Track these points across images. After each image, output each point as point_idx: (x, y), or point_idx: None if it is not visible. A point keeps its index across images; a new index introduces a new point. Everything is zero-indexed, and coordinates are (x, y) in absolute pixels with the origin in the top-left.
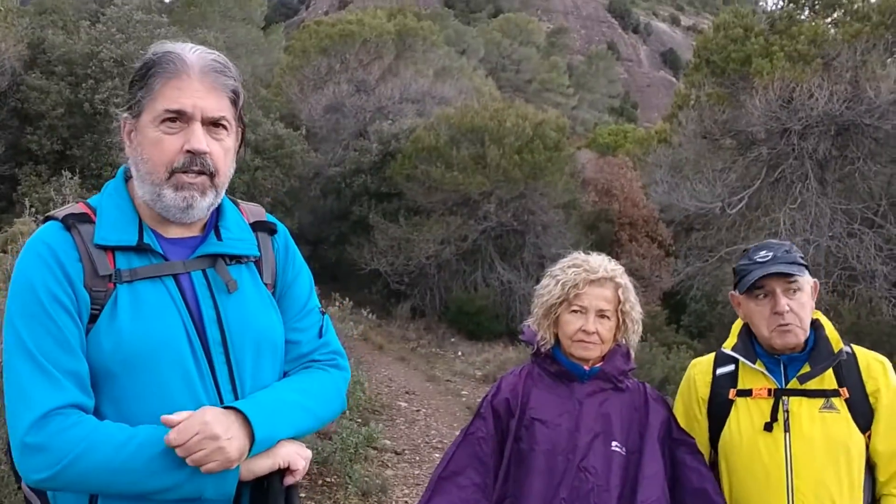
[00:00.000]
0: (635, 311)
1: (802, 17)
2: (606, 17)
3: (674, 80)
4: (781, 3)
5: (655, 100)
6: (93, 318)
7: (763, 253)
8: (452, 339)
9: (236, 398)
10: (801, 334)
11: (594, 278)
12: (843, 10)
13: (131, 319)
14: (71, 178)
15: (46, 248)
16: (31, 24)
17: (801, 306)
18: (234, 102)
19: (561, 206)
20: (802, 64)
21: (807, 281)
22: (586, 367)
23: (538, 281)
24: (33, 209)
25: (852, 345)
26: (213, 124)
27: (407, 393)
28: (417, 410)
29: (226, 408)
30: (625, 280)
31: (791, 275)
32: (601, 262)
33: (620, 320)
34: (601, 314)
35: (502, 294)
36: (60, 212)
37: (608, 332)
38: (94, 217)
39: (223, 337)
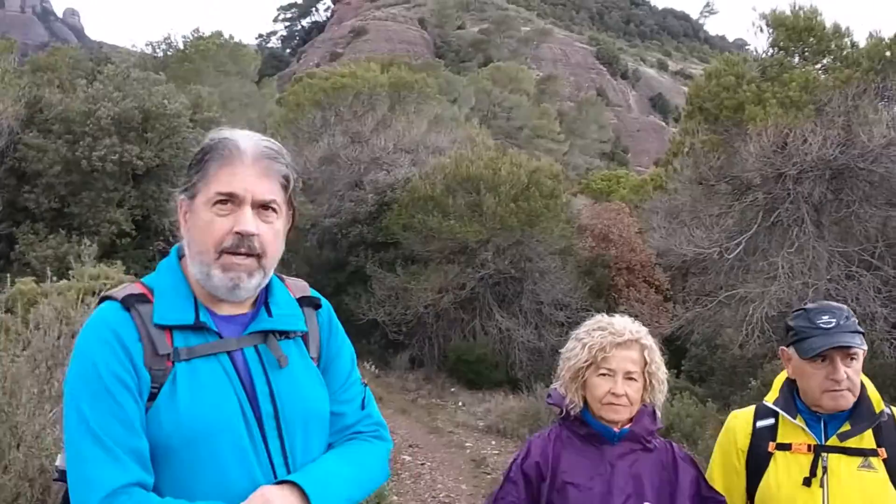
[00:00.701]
0: (661, 371)
1: (793, 63)
2: (595, 63)
3: (663, 124)
4: (772, 50)
5: (646, 144)
6: (152, 396)
7: (826, 318)
8: (452, 389)
9: (288, 471)
10: (852, 399)
11: (620, 341)
12: (832, 57)
13: (190, 397)
14: (90, 245)
15: (108, 329)
16: (29, 83)
17: (855, 373)
18: (285, 187)
19: (557, 253)
20: (795, 110)
21: (863, 349)
22: (616, 429)
23: (537, 328)
24: (27, 267)
25: (892, 406)
26: (263, 207)
27: (410, 446)
28: (422, 464)
29: (282, 482)
30: (650, 341)
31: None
32: (626, 325)
33: (647, 381)
34: (628, 376)
35: (501, 342)
36: (119, 292)
37: (636, 394)
38: (150, 297)
39: (275, 411)
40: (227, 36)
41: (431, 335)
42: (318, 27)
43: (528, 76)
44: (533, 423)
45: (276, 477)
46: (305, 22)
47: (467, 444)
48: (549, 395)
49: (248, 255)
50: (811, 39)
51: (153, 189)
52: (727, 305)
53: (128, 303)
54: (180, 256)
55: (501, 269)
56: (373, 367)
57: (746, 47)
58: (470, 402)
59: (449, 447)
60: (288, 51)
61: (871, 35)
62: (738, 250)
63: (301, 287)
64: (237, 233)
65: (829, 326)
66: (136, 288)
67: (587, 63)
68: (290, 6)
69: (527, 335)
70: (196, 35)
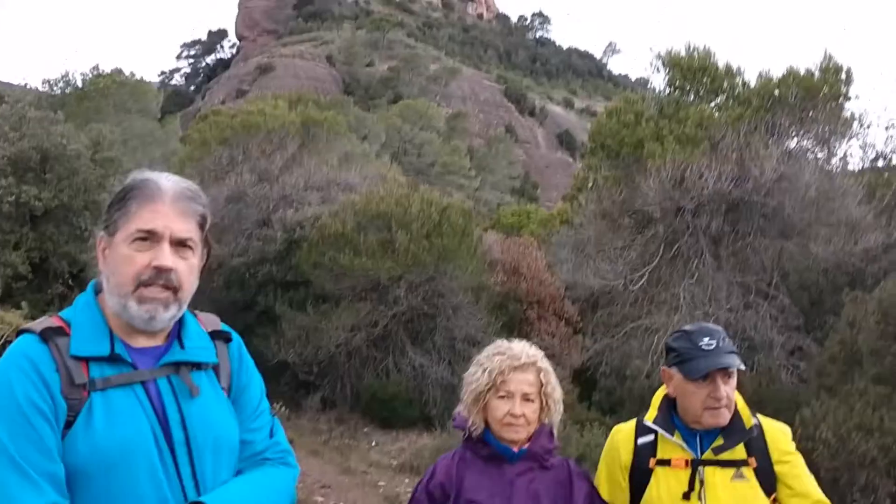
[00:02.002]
0: (556, 392)
1: (689, 101)
2: (503, 101)
3: (570, 160)
4: (668, 89)
5: (554, 179)
6: (69, 424)
7: (707, 340)
8: (366, 429)
9: (198, 494)
10: (728, 416)
11: (517, 364)
12: (725, 95)
13: (105, 425)
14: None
15: (26, 360)
16: None
17: (732, 390)
18: (202, 226)
19: (470, 288)
20: (691, 146)
21: (741, 368)
22: (515, 449)
23: (450, 364)
24: None
25: (759, 414)
26: (180, 244)
27: (323, 487)
28: None
29: (191, 503)
30: (545, 364)
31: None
32: (523, 349)
33: (543, 402)
34: (526, 398)
35: (415, 379)
36: (37, 325)
37: (533, 414)
38: (68, 330)
39: (187, 438)
40: (127, 73)
41: (343, 375)
42: (223, 64)
43: (437, 113)
44: None
45: (186, 500)
46: (210, 59)
47: (381, 483)
48: (453, 419)
49: (164, 287)
50: (705, 79)
51: (52, 231)
52: (634, 336)
53: (45, 335)
54: (97, 291)
55: (414, 306)
56: (283, 409)
57: (649, 85)
58: (383, 442)
59: (362, 487)
60: (192, 88)
61: (760, 75)
62: (641, 282)
63: (212, 321)
64: (155, 267)
65: (710, 348)
66: (53, 321)
67: (496, 100)
68: (194, 43)
69: (440, 372)
70: (95, 73)
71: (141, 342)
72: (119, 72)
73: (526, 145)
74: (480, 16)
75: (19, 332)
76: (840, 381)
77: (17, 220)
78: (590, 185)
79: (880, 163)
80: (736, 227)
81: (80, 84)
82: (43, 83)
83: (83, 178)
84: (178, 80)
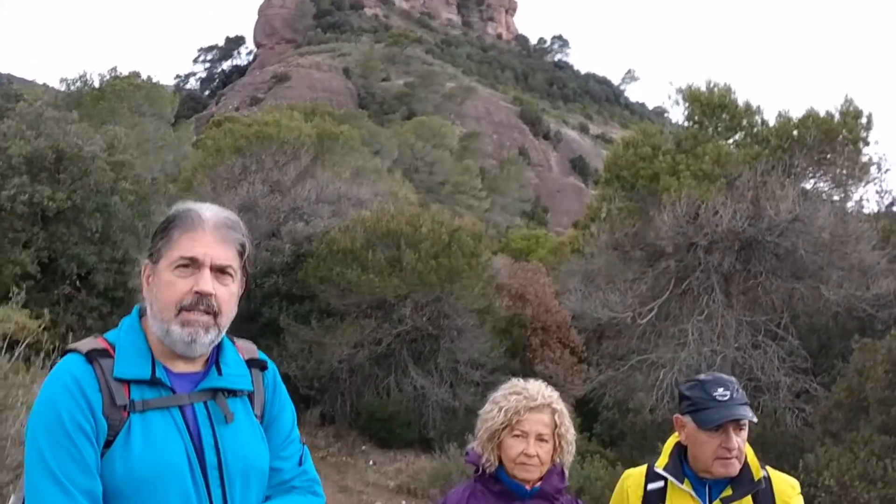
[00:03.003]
0: (570, 433)
1: (707, 137)
2: (518, 123)
3: (583, 185)
4: (687, 123)
5: (565, 204)
6: (108, 443)
7: (721, 391)
8: (363, 447)
9: None
10: (739, 466)
11: (534, 405)
12: (744, 133)
13: (142, 446)
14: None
15: (71, 379)
16: None
17: (743, 442)
18: (241, 254)
19: (476, 311)
20: (707, 182)
21: (753, 420)
22: (528, 487)
23: (452, 386)
24: None
25: (768, 467)
26: (220, 271)
27: None
28: None
29: None
30: (560, 406)
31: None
32: (539, 389)
33: (557, 443)
34: (540, 438)
35: (415, 400)
36: (83, 346)
37: (546, 455)
38: (111, 352)
39: (219, 462)
40: (144, 77)
41: (344, 391)
42: (239, 71)
43: (451, 132)
44: (444, 484)
45: None
46: (226, 65)
47: None
48: (466, 453)
49: (205, 312)
50: (724, 115)
51: (62, 231)
52: (639, 370)
53: (90, 356)
54: (141, 315)
55: (419, 326)
56: None
57: (665, 114)
58: (381, 462)
59: None
60: (207, 93)
61: (779, 114)
62: (650, 315)
63: (250, 349)
64: (196, 292)
65: (724, 399)
66: (98, 343)
67: (510, 122)
68: (211, 48)
69: (441, 394)
70: (113, 74)
71: (180, 367)
72: (136, 75)
73: (538, 168)
74: (500, 36)
75: (66, 352)
76: (845, 427)
77: (28, 220)
78: (603, 215)
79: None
80: (748, 266)
81: (96, 84)
82: (60, 82)
83: (95, 179)
84: (193, 83)
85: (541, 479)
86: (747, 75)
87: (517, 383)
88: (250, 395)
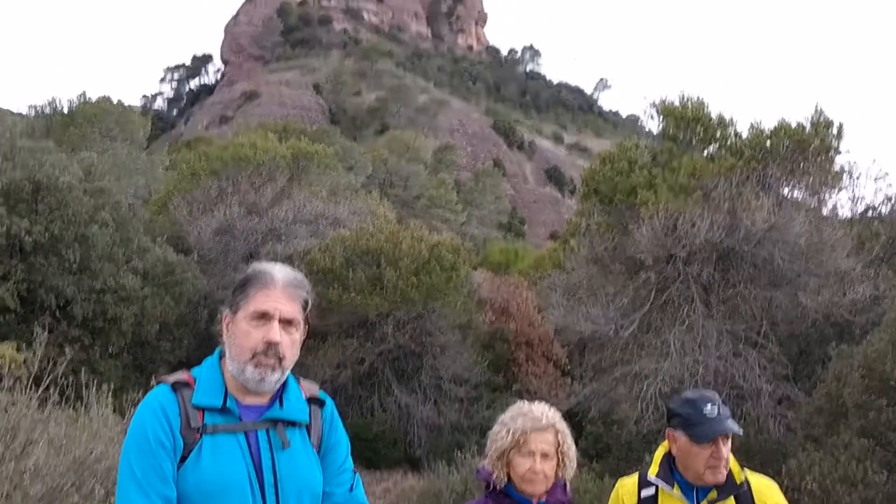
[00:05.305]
0: (571, 450)
1: (682, 150)
2: (492, 134)
3: (559, 195)
4: (662, 137)
5: (542, 215)
6: (182, 459)
7: (710, 408)
8: None
9: None
10: (725, 473)
11: (539, 426)
12: (718, 145)
13: (210, 463)
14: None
15: (158, 404)
16: None
17: (728, 451)
18: (304, 307)
19: (458, 327)
20: (684, 195)
21: (739, 433)
22: (535, 501)
23: (436, 404)
24: None
25: (747, 470)
26: (287, 323)
27: None
28: None
29: None
30: (563, 426)
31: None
32: (543, 411)
33: (560, 459)
34: (545, 455)
35: (400, 419)
36: (171, 378)
37: (551, 470)
38: (193, 384)
39: (276, 482)
40: (110, 96)
41: None
42: (207, 89)
43: (425, 145)
44: (434, 503)
45: None
46: (193, 84)
47: None
48: (478, 471)
49: (273, 357)
50: (698, 128)
51: (41, 262)
52: (622, 382)
53: (176, 386)
54: (221, 356)
55: (401, 344)
56: None
57: (639, 122)
58: (368, 482)
59: None
60: (175, 112)
61: (752, 126)
62: (632, 327)
63: (312, 389)
64: (267, 342)
65: (713, 415)
66: (183, 376)
67: (484, 133)
68: (178, 67)
69: (426, 411)
70: (82, 99)
71: (250, 400)
72: (107, 99)
73: (514, 180)
74: (470, 48)
75: (158, 381)
76: (826, 432)
77: (6, 252)
78: (582, 230)
79: (869, 213)
80: (727, 276)
81: (65, 110)
82: (29, 108)
83: (74, 210)
84: (160, 103)
85: (546, 492)
86: (719, 82)
87: (523, 406)
88: (308, 427)
